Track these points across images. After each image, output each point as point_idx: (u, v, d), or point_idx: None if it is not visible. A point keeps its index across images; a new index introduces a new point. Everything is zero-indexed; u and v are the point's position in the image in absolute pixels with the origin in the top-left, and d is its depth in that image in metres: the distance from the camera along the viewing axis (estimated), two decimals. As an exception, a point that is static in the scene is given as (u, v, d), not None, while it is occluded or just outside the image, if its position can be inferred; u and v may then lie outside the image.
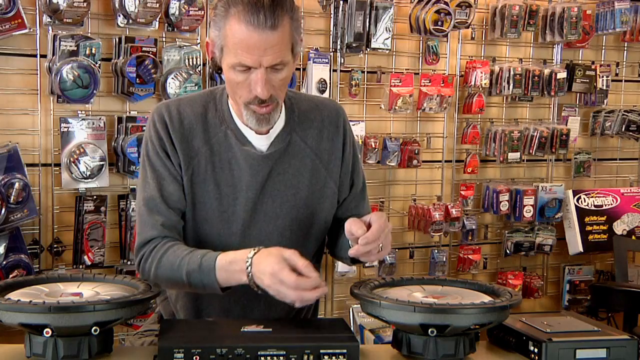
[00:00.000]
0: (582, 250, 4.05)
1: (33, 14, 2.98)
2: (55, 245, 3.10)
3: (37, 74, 3.03)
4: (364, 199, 1.95)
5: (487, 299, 1.61)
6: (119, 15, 3.07)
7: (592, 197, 4.11)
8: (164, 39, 3.22)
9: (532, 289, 4.03)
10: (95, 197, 3.12)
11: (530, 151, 3.93)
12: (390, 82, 3.56)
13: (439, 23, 3.56)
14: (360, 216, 1.87)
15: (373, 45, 3.54)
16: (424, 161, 3.72)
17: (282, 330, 1.54)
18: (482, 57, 3.88)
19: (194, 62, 3.23)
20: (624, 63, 4.26)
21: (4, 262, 2.90)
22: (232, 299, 1.77)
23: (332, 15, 3.52)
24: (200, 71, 3.24)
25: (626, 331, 1.91)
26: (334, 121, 1.87)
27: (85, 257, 3.09)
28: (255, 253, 1.60)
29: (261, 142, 1.78)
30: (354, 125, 3.03)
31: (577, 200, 4.08)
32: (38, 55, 3.02)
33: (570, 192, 4.08)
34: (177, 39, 3.24)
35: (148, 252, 1.74)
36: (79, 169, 3.05)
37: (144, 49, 3.12)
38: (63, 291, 1.58)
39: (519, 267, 4.10)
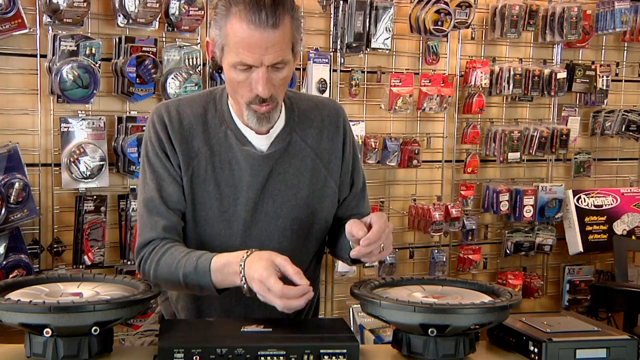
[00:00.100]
0: (582, 250, 4.05)
1: (33, 14, 2.98)
2: (55, 245, 3.10)
3: (37, 74, 3.03)
4: (364, 198, 1.95)
5: (487, 299, 1.61)
6: (119, 15, 3.07)
7: (592, 197, 4.11)
8: (164, 39, 3.22)
9: (532, 289, 4.02)
10: (95, 197, 3.12)
11: (530, 151, 3.93)
12: (390, 82, 3.56)
13: (439, 23, 3.56)
14: (361, 215, 1.87)
15: (373, 45, 3.54)
16: (424, 161, 3.72)
17: (282, 330, 1.54)
18: (482, 57, 3.88)
19: (194, 62, 3.23)
20: (624, 63, 4.26)
21: (4, 262, 2.90)
22: (233, 299, 1.77)
23: (332, 15, 3.52)
24: (200, 71, 3.24)
25: (626, 331, 1.91)
26: (334, 121, 1.87)
27: (85, 257, 3.09)
28: (247, 256, 1.59)
29: (261, 142, 1.78)
30: (354, 125, 3.04)
31: (577, 200, 4.08)
32: (38, 55, 3.02)
33: (570, 192, 4.08)
34: (177, 39, 3.24)
35: (147, 254, 1.74)
36: (79, 169, 3.05)
37: (144, 49, 3.11)
38: (63, 291, 1.58)
39: (519, 267, 4.10)
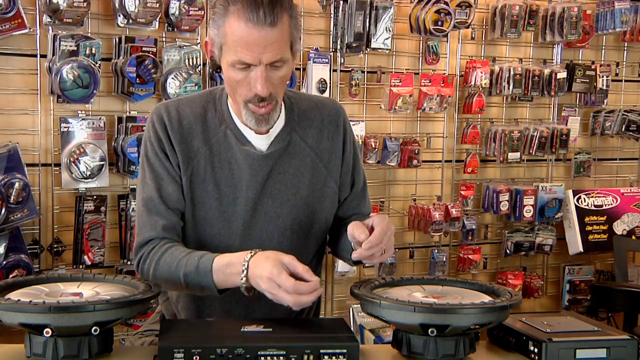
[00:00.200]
0: (582, 250, 4.05)
1: (33, 14, 2.98)
2: (55, 245, 3.10)
3: (37, 74, 3.03)
4: (365, 198, 1.96)
5: (487, 299, 1.61)
6: (119, 15, 3.07)
7: (592, 197, 4.11)
8: (164, 39, 3.22)
9: (532, 289, 4.02)
10: (95, 197, 3.12)
11: (530, 151, 3.93)
12: (390, 82, 3.56)
13: (439, 23, 3.56)
14: (362, 215, 1.87)
15: (373, 45, 3.54)
16: (424, 161, 3.72)
17: (282, 330, 1.54)
18: (482, 57, 3.88)
19: (194, 62, 3.23)
20: (624, 63, 4.26)
21: (4, 262, 2.90)
22: (234, 299, 1.77)
23: (332, 15, 3.52)
24: (200, 71, 3.24)
25: (626, 331, 1.91)
26: (334, 120, 1.87)
27: (85, 257, 3.09)
28: (252, 256, 1.60)
29: (261, 142, 1.78)
30: (354, 125, 3.03)
31: (577, 200, 4.08)
32: (38, 55, 3.02)
33: (570, 192, 4.08)
34: (177, 39, 3.24)
35: (147, 253, 1.74)
36: (79, 168, 3.05)
37: (144, 49, 3.11)
38: (63, 291, 1.58)
39: (519, 267, 4.10)
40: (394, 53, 3.70)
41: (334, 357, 1.44)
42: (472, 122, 3.88)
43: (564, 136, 3.96)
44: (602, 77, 4.11)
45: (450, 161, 3.90)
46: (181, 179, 1.77)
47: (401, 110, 3.60)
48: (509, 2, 3.76)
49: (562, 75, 3.93)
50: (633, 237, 4.10)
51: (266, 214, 1.78)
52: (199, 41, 3.27)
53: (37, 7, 2.97)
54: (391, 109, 3.59)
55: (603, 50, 4.21)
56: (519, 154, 3.89)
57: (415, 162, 3.67)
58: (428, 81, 3.66)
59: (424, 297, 1.62)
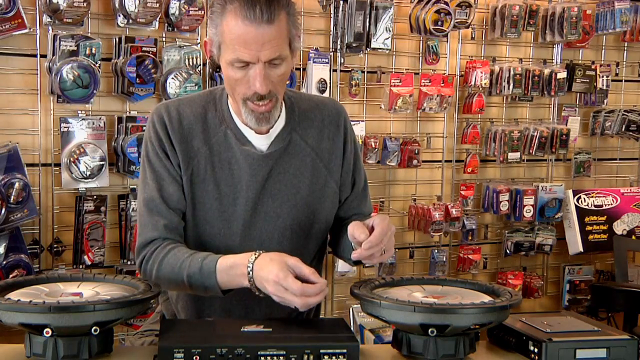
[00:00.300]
0: (582, 250, 4.05)
1: (33, 14, 2.98)
2: (55, 245, 3.10)
3: (37, 74, 3.03)
4: (366, 198, 1.96)
5: (487, 299, 1.61)
6: (119, 15, 3.07)
7: (592, 197, 4.11)
8: (164, 39, 3.22)
9: (532, 289, 4.02)
10: (95, 197, 3.12)
11: (530, 151, 3.93)
12: (390, 82, 3.56)
13: (439, 23, 3.56)
14: (363, 215, 1.87)
15: (373, 45, 3.54)
16: (424, 161, 3.72)
17: (282, 330, 1.54)
18: (482, 57, 3.88)
19: (194, 62, 3.23)
20: (624, 63, 4.26)
21: (4, 262, 2.90)
22: (234, 299, 1.77)
23: (332, 15, 3.52)
24: (200, 71, 3.24)
25: (626, 331, 1.91)
26: (334, 120, 1.87)
27: (85, 257, 3.09)
28: (256, 258, 1.60)
29: (261, 142, 1.78)
30: (354, 125, 3.02)
31: (577, 200, 4.08)
32: (38, 55, 3.02)
33: (570, 192, 4.08)
34: (177, 39, 3.24)
35: (149, 254, 1.74)
36: (79, 168, 3.05)
37: (144, 49, 3.11)
38: (63, 291, 1.58)
39: (519, 267, 4.10)
40: (394, 53, 3.70)
41: (334, 357, 1.44)
42: (472, 122, 3.88)
43: (564, 136, 3.96)
44: (602, 77, 4.11)
45: (450, 161, 3.90)
46: (182, 178, 1.77)
47: (401, 110, 3.60)
48: (509, 2, 3.75)
49: (562, 75, 3.93)
50: (633, 237, 4.10)
51: (266, 214, 1.78)
52: (199, 41, 3.27)
53: (37, 7, 2.97)
54: (391, 109, 3.59)
55: (603, 50, 4.21)
56: (519, 154, 3.89)
57: (415, 162, 3.67)
58: (428, 81, 3.66)
59: (424, 297, 1.62)
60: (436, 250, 3.83)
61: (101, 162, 3.08)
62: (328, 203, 1.86)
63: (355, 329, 3.47)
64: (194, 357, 1.41)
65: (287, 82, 1.77)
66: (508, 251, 3.99)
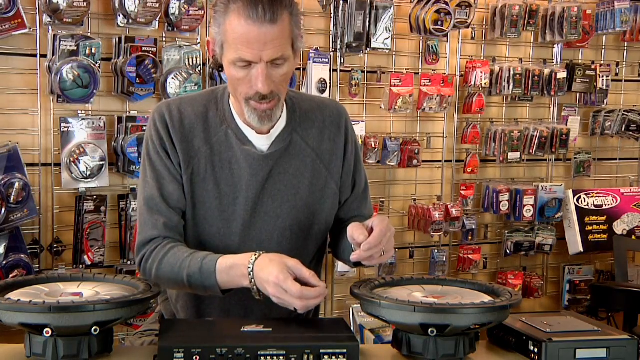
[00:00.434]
0: (582, 250, 4.05)
1: (33, 14, 2.98)
2: (55, 245, 3.10)
3: (37, 74, 3.03)
4: (366, 200, 1.95)
5: (487, 298, 1.61)
6: (119, 15, 3.07)
7: (592, 197, 4.11)
8: (164, 39, 3.22)
9: (532, 289, 4.02)
10: (95, 197, 3.12)
11: (530, 151, 3.93)
12: (390, 82, 3.56)
13: (439, 23, 3.56)
14: (363, 217, 1.87)
15: (373, 45, 3.54)
16: (424, 161, 3.72)
17: (282, 330, 1.54)
18: (482, 57, 3.88)
19: (194, 62, 3.23)
20: (624, 63, 4.26)
21: (4, 262, 2.90)
22: (233, 299, 1.77)
23: (332, 15, 3.52)
24: (200, 71, 3.24)
25: (626, 331, 1.91)
26: (335, 121, 1.87)
27: (85, 257, 3.09)
28: (256, 258, 1.60)
29: (262, 142, 1.78)
30: (354, 125, 3.03)
31: (577, 200, 4.08)
32: (38, 55, 3.02)
33: (570, 192, 4.08)
34: (177, 39, 3.24)
35: (149, 253, 1.74)
36: (79, 168, 3.05)
37: (144, 48, 3.11)
38: (63, 291, 1.58)
39: (519, 267, 4.10)
40: (394, 53, 3.70)
41: (334, 357, 1.44)
42: (472, 122, 3.88)
43: (564, 136, 3.96)
44: (602, 77, 4.11)
45: (450, 161, 3.90)
46: (182, 177, 1.77)
47: (401, 110, 3.60)
48: (509, 2, 3.75)
49: (562, 75, 3.93)
50: (633, 237, 4.10)
51: (266, 214, 1.78)
52: (199, 41, 3.27)
53: (37, 7, 2.97)
54: (391, 108, 3.59)
55: (603, 50, 4.21)
56: (519, 153, 3.89)
57: (415, 162, 3.67)
58: (428, 81, 3.66)
59: (424, 297, 1.62)
60: (436, 250, 3.83)
61: (101, 162, 3.08)
62: (328, 204, 1.85)
63: (355, 329, 3.47)
64: (194, 357, 1.41)
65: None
66: (508, 251, 3.99)
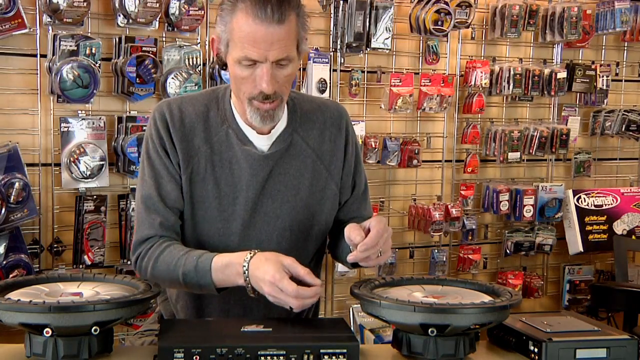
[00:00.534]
0: (582, 250, 4.05)
1: (33, 14, 2.98)
2: (55, 245, 3.10)
3: (37, 73, 3.03)
4: (366, 201, 1.95)
5: (487, 298, 1.61)
6: (119, 15, 3.07)
7: (592, 197, 4.11)
8: (164, 39, 3.22)
9: (532, 288, 4.02)
10: (95, 197, 3.12)
11: (530, 151, 3.93)
12: (390, 82, 3.56)
13: (439, 23, 3.56)
14: (363, 218, 1.87)
15: (373, 45, 3.54)
16: (424, 161, 3.72)
17: (282, 330, 1.54)
18: (482, 57, 3.88)
19: (194, 62, 3.23)
20: (624, 63, 4.26)
21: (4, 262, 2.90)
22: (233, 298, 1.78)
23: (332, 15, 3.52)
24: (200, 71, 3.24)
25: (626, 331, 1.91)
26: (336, 122, 1.87)
27: (85, 257, 3.09)
28: (251, 257, 1.60)
29: (262, 142, 1.78)
30: (354, 125, 3.03)
31: (577, 200, 4.08)
32: (38, 55, 3.02)
33: (570, 192, 4.08)
34: (177, 39, 3.24)
35: (145, 251, 1.74)
36: (79, 168, 3.05)
37: (144, 48, 3.11)
38: (63, 291, 1.58)
39: (519, 267, 4.10)
40: (394, 53, 3.70)
41: (334, 357, 1.44)
42: (472, 122, 3.88)
43: (564, 136, 3.96)
44: (602, 77, 4.11)
45: (450, 161, 3.90)
46: (181, 177, 1.77)
47: (401, 110, 3.60)
48: (509, 2, 3.75)
49: (562, 75, 3.93)
50: (633, 237, 4.10)
51: (265, 214, 1.78)
52: (199, 41, 3.27)
53: (37, 7, 2.97)
54: (391, 108, 3.59)
55: (603, 50, 4.21)
56: (519, 153, 3.89)
57: (415, 162, 3.67)
58: (428, 81, 3.66)
59: (424, 297, 1.62)
60: (436, 250, 3.83)
61: (101, 162, 3.08)
62: (328, 205, 1.85)
63: (355, 329, 3.47)
64: (194, 357, 1.41)
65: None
66: (508, 251, 3.99)
